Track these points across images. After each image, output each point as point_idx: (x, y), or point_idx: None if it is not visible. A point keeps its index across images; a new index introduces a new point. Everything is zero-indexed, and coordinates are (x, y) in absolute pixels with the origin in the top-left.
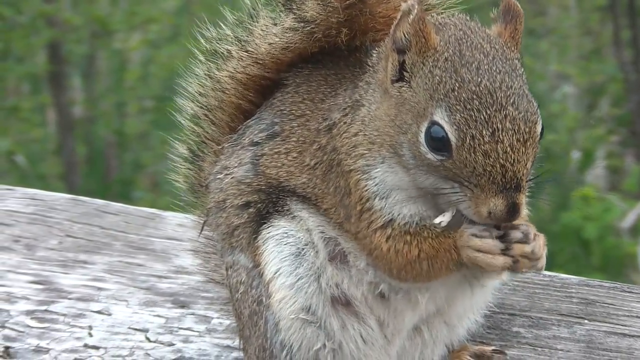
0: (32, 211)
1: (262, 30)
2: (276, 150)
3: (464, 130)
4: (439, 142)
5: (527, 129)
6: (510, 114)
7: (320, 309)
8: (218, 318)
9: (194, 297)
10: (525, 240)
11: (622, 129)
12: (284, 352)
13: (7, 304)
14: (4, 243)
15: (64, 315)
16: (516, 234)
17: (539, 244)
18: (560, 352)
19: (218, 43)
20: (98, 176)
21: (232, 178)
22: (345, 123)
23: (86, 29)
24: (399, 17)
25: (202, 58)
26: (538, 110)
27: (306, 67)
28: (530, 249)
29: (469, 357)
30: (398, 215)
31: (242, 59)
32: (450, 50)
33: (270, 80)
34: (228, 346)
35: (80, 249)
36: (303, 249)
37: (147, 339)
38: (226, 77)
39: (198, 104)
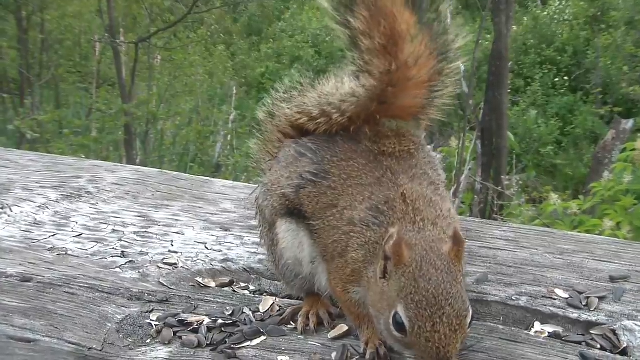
0: (136, 177)
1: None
2: (314, 195)
3: (414, 322)
4: (399, 326)
5: (457, 322)
6: (447, 312)
7: (302, 261)
8: (247, 237)
9: (233, 225)
10: None
11: None
12: (284, 266)
13: (122, 227)
14: (120, 195)
15: (156, 234)
16: None
17: None
18: None
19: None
20: None
21: (281, 190)
22: (360, 235)
23: (144, 117)
24: (387, 236)
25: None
26: (469, 307)
27: (345, 137)
28: None
29: None
30: (358, 297)
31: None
32: (414, 265)
33: (303, 130)
34: (254, 252)
35: (164, 197)
36: (295, 241)
37: (206, 247)
38: (282, 117)
39: (267, 128)
